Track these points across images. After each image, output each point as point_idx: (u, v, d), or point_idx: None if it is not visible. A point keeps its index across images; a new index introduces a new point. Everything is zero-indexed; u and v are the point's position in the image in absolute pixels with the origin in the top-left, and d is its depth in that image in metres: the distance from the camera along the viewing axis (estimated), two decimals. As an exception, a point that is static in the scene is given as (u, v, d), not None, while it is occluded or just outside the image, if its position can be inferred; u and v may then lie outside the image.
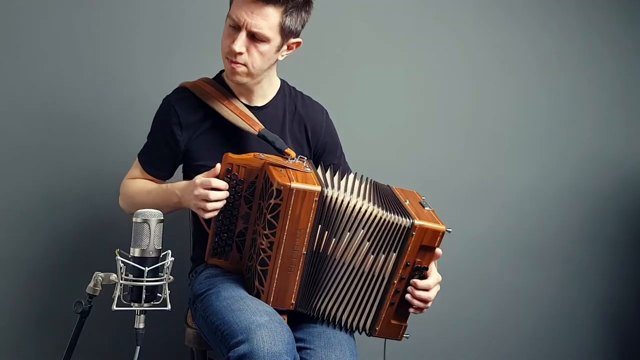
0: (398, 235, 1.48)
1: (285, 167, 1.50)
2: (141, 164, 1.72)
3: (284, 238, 1.45)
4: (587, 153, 2.53)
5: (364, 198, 1.49)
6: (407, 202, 1.55)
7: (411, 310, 1.53)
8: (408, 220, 1.47)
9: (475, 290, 2.44)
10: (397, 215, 1.48)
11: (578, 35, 2.50)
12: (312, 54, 2.25)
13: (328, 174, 1.54)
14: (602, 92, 2.53)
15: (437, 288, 1.54)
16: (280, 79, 1.78)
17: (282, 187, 1.42)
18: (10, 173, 2.04)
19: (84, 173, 2.08)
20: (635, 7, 2.56)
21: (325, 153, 1.78)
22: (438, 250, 1.50)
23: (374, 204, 1.48)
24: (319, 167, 1.58)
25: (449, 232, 1.49)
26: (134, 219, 1.30)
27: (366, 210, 1.47)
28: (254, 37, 1.55)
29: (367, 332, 1.55)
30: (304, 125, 1.75)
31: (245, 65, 1.58)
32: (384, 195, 1.56)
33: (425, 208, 1.55)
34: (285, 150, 1.59)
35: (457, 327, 2.43)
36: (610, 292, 2.57)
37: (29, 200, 2.05)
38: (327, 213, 1.47)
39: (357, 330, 1.55)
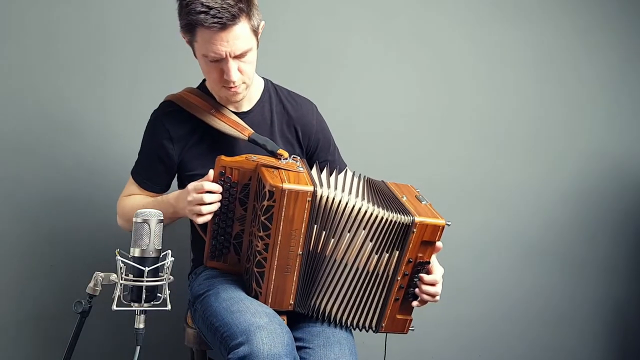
0: (400, 233, 1.48)
1: (277, 168, 1.50)
2: (136, 181, 1.72)
3: (279, 239, 1.45)
4: (589, 152, 2.53)
5: (362, 198, 1.49)
6: (405, 198, 1.55)
7: (415, 304, 1.54)
8: (408, 217, 1.47)
9: (475, 289, 2.44)
10: (397, 213, 1.48)
11: (579, 34, 2.50)
12: (315, 56, 2.26)
13: (323, 174, 1.54)
14: (603, 91, 2.53)
15: (441, 281, 1.55)
16: (263, 77, 1.77)
17: (274, 189, 1.42)
18: (10, 173, 2.04)
19: (84, 173, 2.08)
20: (638, 6, 2.55)
21: (318, 150, 1.78)
22: (438, 244, 1.51)
23: (373, 204, 1.48)
24: (314, 167, 1.58)
25: (449, 225, 1.49)
26: (134, 219, 1.30)
27: (366, 211, 1.47)
28: (240, 56, 1.52)
29: (374, 329, 1.55)
30: (293, 127, 1.74)
31: (243, 82, 1.58)
32: (380, 193, 1.56)
33: (423, 202, 1.55)
34: (278, 152, 1.58)
35: (456, 326, 2.43)
36: (611, 291, 2.57)
37: (29, 201, 2.06)
38: (321, 213, 1.46)
39: (364, 329, 1.56)
